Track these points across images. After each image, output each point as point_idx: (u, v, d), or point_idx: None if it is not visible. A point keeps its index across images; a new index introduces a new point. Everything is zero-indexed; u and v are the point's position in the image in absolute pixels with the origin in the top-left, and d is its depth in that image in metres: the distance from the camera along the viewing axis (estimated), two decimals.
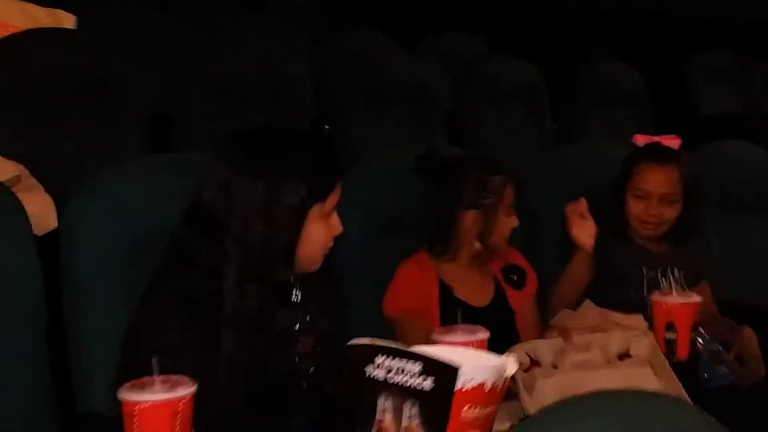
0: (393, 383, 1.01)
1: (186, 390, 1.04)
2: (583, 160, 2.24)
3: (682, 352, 1.56)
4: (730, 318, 1.90)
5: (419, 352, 1.01)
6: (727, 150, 2.53)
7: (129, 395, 1.03)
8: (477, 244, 1.69)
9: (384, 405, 1.03)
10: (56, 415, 1.35)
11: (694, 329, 1.58)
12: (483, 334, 1.32)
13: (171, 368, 1.06)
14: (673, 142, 1.95)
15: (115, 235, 1.40)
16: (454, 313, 1.56)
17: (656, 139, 1.97)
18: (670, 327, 1.57)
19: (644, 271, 1.92)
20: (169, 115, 2.63)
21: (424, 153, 1.71)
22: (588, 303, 1.73)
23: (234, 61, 2.82)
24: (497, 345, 1.30)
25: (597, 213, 1.93)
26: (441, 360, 0.98)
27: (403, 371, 1.01)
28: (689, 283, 1.88)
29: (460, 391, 0.97)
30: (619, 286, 1.89)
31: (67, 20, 2.61)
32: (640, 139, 1.99)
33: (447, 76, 3.31)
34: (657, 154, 1.91)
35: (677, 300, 1.57)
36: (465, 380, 0.96)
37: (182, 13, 3.64)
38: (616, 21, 5.29)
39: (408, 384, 1.00)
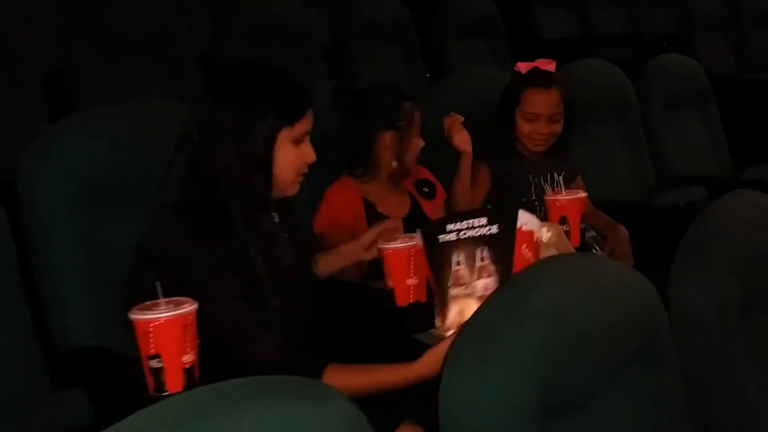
0: (464, 238, 1.37)
1: (191, 306, 1.19)
2: (468, 86, 2.48)
3: (575, 240, 1.84)
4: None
5: (483, 210, 1.37)
6: (582, 68, 2.84)
7: (143, 315, 1.17)
8: (394, 163, 1.89)
9: (457, 259, 1.37)
10: (42, 359, 1.43)
11: (582, 221, 1.88)
12: (420, 240, 1.54)
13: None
14: (550, 66, 2.21)
15: (71, 183, 1.48)
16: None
17: (535, 64, 2.22)
18: (563, 220, 1.85)
19: (530, 179, 2.20)
20: None
21: (339, 85, 1.89)
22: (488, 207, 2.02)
23: (112, 15, 2.80)
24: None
25: (487, 132, 2.20)
26: (502, 210, 1.40)
27: (471, 227, 1.37)
28: (566, 184, 2.18)
29: (520, 230, 1.37)
30: (512, 193, 2.16)
31: None
32: (522, 66, 2.24)
33: (319, 15, 3.38)
34: (541, 79, 2.15)
35: (568, 197, 1.85)
36: (522, 222, 1.37)
37: None
38: None
39: (478, 234, 1.37)
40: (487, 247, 1.40)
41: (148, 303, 1.20)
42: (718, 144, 3.13)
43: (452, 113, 2.09)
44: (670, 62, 3.11)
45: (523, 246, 1.42)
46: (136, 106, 1.68)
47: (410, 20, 3.59)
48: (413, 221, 1.88)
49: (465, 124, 2.06)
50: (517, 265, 1.42)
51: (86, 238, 1.49)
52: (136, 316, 1.18)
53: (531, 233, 1.44)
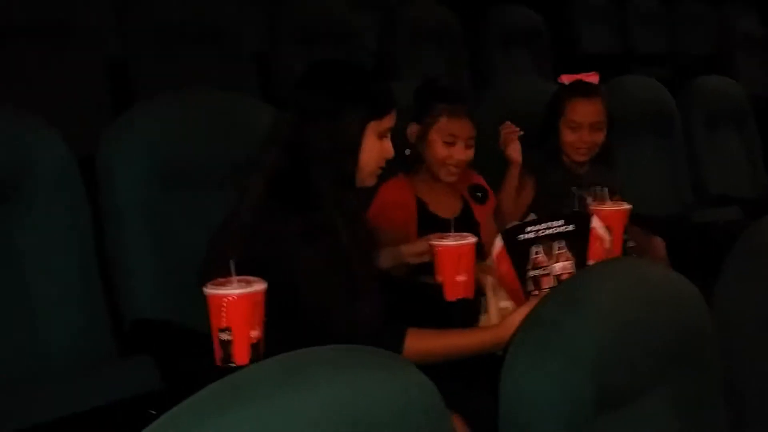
0: (542, 236, 1.54)
1: (261, 285, 1.27)
2: (513, 96, 2.54)
3: (617, 250, 1.90)
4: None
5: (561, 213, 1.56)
6: (627, 84, 2.90)
7: (217, 290, 1.25)
8: (407, 151, 1.94)
9: (536, 251, 1.53)
10: (109, 328, 1.52)
11: (625, 231, 1.94)
12: (472, 239, 1.62)
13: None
14: (593, 78, 2.28)
15: (146, 163, 1.58)
16: (428, 225, 1.87)
17: (579, 76, 2.29)
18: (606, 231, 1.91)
19: (573, 191, 2.26)
20: None
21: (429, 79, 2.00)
22: (532, 216, 2.08)
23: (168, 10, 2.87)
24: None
25: (530, 143, 2.26)
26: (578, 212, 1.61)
27: (549, 227, 1.54)
28: (610, 197, 2.24)
29: (593, 230, 1.58)
30: (555, 203, 2.22)
31: None
32: (566, 78, 2.31)
33: (255, 16, 3.31)
34: (584, 89, 2.24)
35: (612, 207, 1.92)
36: (595, 224, 1.57)
37: None
38: None
39: (555, 231, 1.54)
40: (564, 240, 1.57)
41: (221, 279, 1.28)
42: (755, 164, 3.18)
43: (509, 124, 2.16)
44: (712, 82, 3.16)
45: (597, 243, 1.59)
46: (207, 96, 1.78)
47: (457, 27, 3.66)
48: (463, 223, 1.94)
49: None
50: (593, 256, 1.60)
51: (157, 215, 1.59)
52: (211, 290, 1.26)
53: (603, 237, 1.62)
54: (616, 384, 1.00)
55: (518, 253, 1.59)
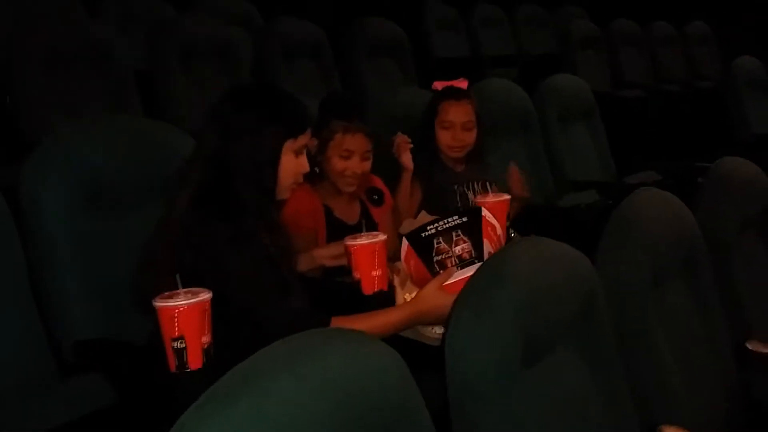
0: (441, 230, 1.73)
1: (207, 294, 1.39)
2: (388, 105, 2.75)
3: (503, 238, 2.13)
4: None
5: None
6: (489, 87, 3.17)
7: (168, 302, 1.35)
8: (316, 169, 2.04)
9: (437, 241, 1.75)
10: (49, 354, 1.57)
11: (508, 220, 2.18)
12: (382, 236, 1.79)
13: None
14: (462, 83, 2.52)
15: (69, 187, 1.64)
16: (335, 229, 2.03)
17: (450, 83, 2.52)
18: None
19: (455, 188, 2.48)
20: None
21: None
22: (423, 213, 2.29)
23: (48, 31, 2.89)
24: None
25: (414, 146, 2.47)
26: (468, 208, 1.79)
27: (446, 223, 1.75)
28: (485, 191, 2.48)
29: (485, 218, 1.78)
30: (440, 200, 2.43)
31: None
32: (438, 84, 2.54)
33: (135, 37, 3.38)
34: (454, 92, 2.47)
35: (494, 199, 2.14)
36: (485, 214, 1.79)
37: None
38: None
39: (452, 224, 1.75)
40: (459, 229, 1.79)
41: (168, 293, 1.38)
42: (603, 153, 3.54)
43: (402, 135, 2.36)
44: (562, 81, 3.50)
45: (488, 229, 1.83)
46: (126, 121, 1.86)
47: (326, 41, 3.83)
48: (364, 226, 2.12)
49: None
50: (486, 237, 1.83)
51: (83, 237, 1.65)
52: (161, 303, 1.36)
53: (493, 224, 1.86)
54: (536, 339, 1.19)
55: (423, 247, 1.79)
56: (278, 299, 1.56)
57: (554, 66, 4.84)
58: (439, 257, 1.79)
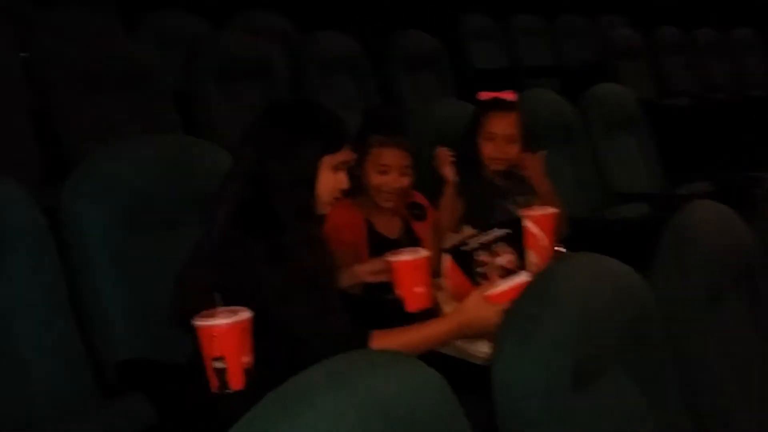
0: (481, 242, 1.73)
1: (247, 313, 1.36)
2: (429, 117, 2.71)
3: (550, 252, 2.07)
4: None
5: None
6: (531, 98, 3.11)
7: (208, 321, 1.32)
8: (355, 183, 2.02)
9: (480, 253, 1.73)
10: (90, 374, 1.56)
11: (555, 234, 2.11)
12: (425, 252, 1.75)
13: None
14: (510, 95, 2.47)
15: (110, 208, 1.63)
16: (376, 244, 2.00)
17: (497, 94, 2.47)
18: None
19: (498, 202, 2.42)
20: None
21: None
22: (466, 227, 2.24)
23: (84, 53, 2.91)
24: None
25: (455, 158, 2.42)
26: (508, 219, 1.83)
27: (487, 236, 1.74)
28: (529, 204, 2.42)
29: (528, 229, 1.79)
30: (482, 215, 2.38)
31: None
32: (485, 95, 2.48)
33: (172, 56, 3.36)
34: (500, 103, 2.42)
35: (540, 212, 2.08)
36: (527, 224, 1.79)
37: None
38: None
39: (495, 236, 1.74)
40: (502, 241, 1.76)
41: (207, 311, 1.35)
42: (651, 164, 3.45)
43: (443, 148, 2.33)
44: (605, 90, 3.42)
45: (532, 238, 1.82)
46: (165, 139, 1.85)
47: (363, 54, 3.81)
48: (407, 241, 2.08)
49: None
50: (531, 248, 1.80)
51: (127, 260, 1.64)
52: (200, 322, 1.33)
53: (536, 234, 1.84)
54: (587, 363, 1.14)
55: (465, 261, 1.76)
56: (318, 316, 1.53)
57: (596, 76, 4.76)
58: (482, 269, 1.74)
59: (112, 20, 3.82)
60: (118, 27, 3.83)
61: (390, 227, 2.10)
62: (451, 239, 2.17)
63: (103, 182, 1.65)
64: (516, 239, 1.81)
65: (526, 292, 1.14)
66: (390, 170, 2.04)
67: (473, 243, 1.79)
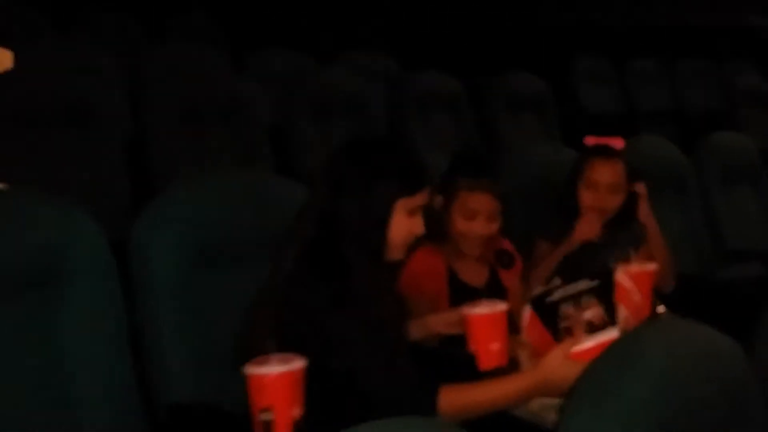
0: (568, 295, 1.59)
1: (301, 362, 1.27)
2: (527, 162, 2.57)
3: (646, 312, 1.89)
4: None
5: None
6: (641, 144, 2.92)
7: (257, 369, 1.24)
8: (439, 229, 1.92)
9: (565, 305, 1.60)
10: (143, 413, 1.51)
11: (653, 293, 1.93)
12: (503, 306, 1.61)
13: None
14: (617, 142, 2.31)
15: (181, 246, 1.59)
16: (458, 293, 1.87)
17: (603, 140, 2.32)
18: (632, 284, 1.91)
19: (593, 255, 2.25)
20: None
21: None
22: (557, 279, 2.08)
23: (39, 83, 2.73)
24: None
25: (549, 208, 2.28)
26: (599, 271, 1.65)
27: (574, 288, 1.59)
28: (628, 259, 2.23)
29: (619, 283, 1.63)
30: (575, 271, 2.20)
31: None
32: (591, 141, 2.34)
33: (269, 92, 3.32)
34: (605, 150, 2.26)
35: (638, 269, 1.91)
36: (620, 278, 1.63)
37: None
38: (508, 33, 5.72)
39: (582, 288, 1.59)
40: (590, 293, 1.60)
41: (260, 358, 1.27)
42: None
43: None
44: (724, 139, 3.19)
45: (623, 293, 1.64)
46: (240, 176, 1.82)
47: (464, 95, 3.72)
48: (492, 290, 1.95)
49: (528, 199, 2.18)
50: (622, 302, 1.64)
51: (191, 296, 1.59)
52: (250, 370, 1.25)
53: (628, 288, 1.67)
54: None
55: (548, 314, 1.62)
56: (383, 368, 1.42)
57: (718, 123, 4.50)
58: (567, 323, 1.59)
59: (219, 56, 3.91)
60: (225, 62, 3.93)
61: (474, 275, 1.98)
62: (536, 290, 2.03)
63: (176, 216, 1.60)
64: (606, 292, 1.64)
65: (605, 353, 1.00)
66: (477, 215, 1.92)
67: (558, 294, 1.64)
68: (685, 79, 5.81)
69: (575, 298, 1.62)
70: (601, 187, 2.22)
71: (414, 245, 1.64)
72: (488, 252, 2.01)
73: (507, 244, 2.07)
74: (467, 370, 1.59)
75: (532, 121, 4.05)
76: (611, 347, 1.01)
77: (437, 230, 1.96)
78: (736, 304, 2.15)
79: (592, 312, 1.61)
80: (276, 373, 1.24)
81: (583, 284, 1.64)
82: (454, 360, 1.67)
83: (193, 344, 1.58)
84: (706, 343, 1.08)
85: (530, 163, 2.55)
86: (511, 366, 1.60)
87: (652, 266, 1.94)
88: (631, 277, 1.91)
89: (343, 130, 3.23)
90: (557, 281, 2.06)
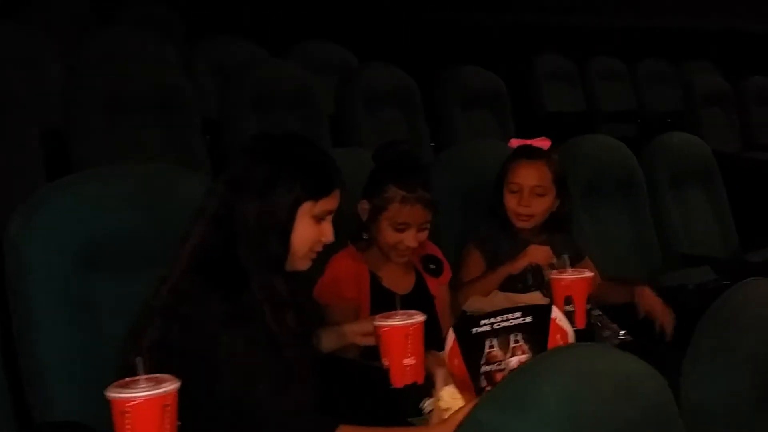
0: (499, 328, 1.42)
1: (172, 385, 1.12)
2: (473, 159, 2.44)
3: (580, 322, 1.77)
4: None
5: (515, 304, 1.47)
6: (587, 144, 2.81)
7: (120, 393, 1.10)
8: (365, 235, 1.82)
9: (490, 344, 1.42)
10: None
11: (588, 301, 1.82)
12: (419, 317, 1.48)
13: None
14: (544, 143, 2.18)
15: (61, 246, 1.43)
16: (381, 300, 1.74)
17: (528, 141, 2.19)
18: (568, 300, 1.78)
19: (529, 266, 2.11)
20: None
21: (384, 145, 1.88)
22: (496, 291, 1.95)
23: (115, 76, 2.80)
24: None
25: (487, 209, 2.15)
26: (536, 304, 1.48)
27: (506, 320, 1.42)
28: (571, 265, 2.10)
29: (554, 321, 1.45)
30: (509, 278, 2.06)
31: None
32: (515, 143, 2.21)
33: (323, 83, 3.43)
34: (528, 152, 2.12)
35: (573, 276, 1.80)
36: (556, 315, 1.46)
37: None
38: (470, 30, 5.63)
39: (512, 324, 1.42)
40: (521, 333, 1.42)
41: (127, 379, 1.13)
42: (724, 223, 3.08)
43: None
44: (675, 140, 3.08)
45: (557, 336, 1.43)
46: (134, 170, 1.65)
47: (415, 89, 3.60)
48: (417, 297, 1.82)
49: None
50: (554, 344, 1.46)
51: (74, 303, 1.44)
52: (112, 394, 1.11)
53: (564, 329, 1.47)
54: None
55: (472, 346, 1.44)
56: (272, 394, 1.28)
57: (678, 125, 4.43)
58: (490, 367, 1.43)
59: (163, 44, 3.75)
60: (171, 51, 3.77)
61: (399, 282, 1.84)
62: (476, 303, 1.89)
63: (55, 216, 1.44)
64: (538, 333, 1.47)
65: (491, 395, 0.87)
66: (408, 228, 1.79)
67: (486, 324, 1.44)
68: (647, 79, 5.74)
69: (504, 334, 1.44)
70: (525, 190, 2.09)
71: (333, 248, 1.51)
72: (415, 257, 1.88)
73: (435, 250, 1.94)
74: (382, 387, 1.46)
75: (487, 117, 3.93)
76: (502, 384, 0.88)
77: (360, 236, 1.83)
78: (677, 311, 2.04)
79: (519, 360, 1.44)
80: (142, 398, 1.09)
81: (515, 318, 1.46)
82: (369, 374, 1.54)
83: (75, 358, 1.42)
84: (618, 379, 0.94)
85: (470, 160, 2.42)
86: (428, 383, 1.47)
87: (588, 273, 1.83)
88: (565, 286, 1.80)
89: (286, 124, 3.09)
90: (499, 296, 1.93)
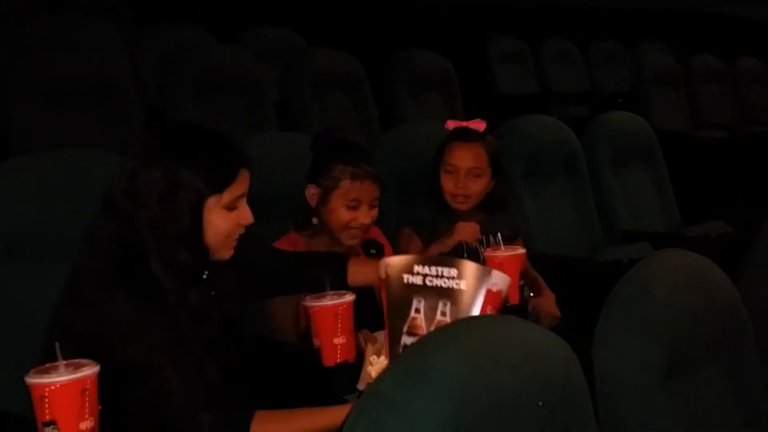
0: (430, 286, 1.24)
1: (91, 369, 1.13)
2: (414, 141, 2.46)
3: (514, 297, 1.80)
4: (541, 269, 2.18)
5: (456, 260, 1.24)
6: (529, 123, 2.85)
7: (38, 378, 1.10)
8: (314, 220, 1.83)
9: (417, 306, 1.26)
10: None
11: (521, 278, 1.85)
12: (350, 297, 1.50)
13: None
14: (479, 125, 2.20)
15: None
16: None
17: (464, 123, 2.22)
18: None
19: (464, 244, 2.15)
20: None
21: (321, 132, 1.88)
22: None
23: (54, 63, 2.76)
24: (360, 310, 1.49)
25: (426, 190, 2.18)
26: (476, 265, 1.24)
27: (440, 275, 1.25)
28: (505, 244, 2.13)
29: (489, 291, 1.23)
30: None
31: None
32: (451, 124, 2.23)
33: (272, 68, 3.42)
34: (463, 134, 2.14)
35: (506, 253, 1.82)
36: (493, 282, 1.23)
37: None
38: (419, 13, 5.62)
39: (446, 285, 1.24)
40: (449, 303, 1.29)
41: (46, 365, 1.13)
42: (666, 200, 3.15)
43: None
44: (617, 119, 3.14)
45: (489, 307, 1.31)
46: (65, 158, 1.64)
47: (363, 73, 3.60)
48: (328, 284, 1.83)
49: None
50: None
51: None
52: (31, 379, 1.11)
53: (499, 293, 1.32)
54: None
55: (399, 295, 1.31)
56: (186, 392, 1.26)
57: (628, 105, 4.48)
58: (410, 339, 1.29)
59: (105, 30, 3.69)
60: (116, 37, 3.73)
61: None
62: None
63: None
64: (470, 302, 1.32)
65: (392, 367, 0.89)
66: (360, 204, 1.81)
67: (420, 272, 1.28)
68: (599, 60, 5.81)
69: (434, 297, 1.28)
70: (461, 172, 2.11)
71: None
72: (357, 242, 1.89)
73: (376, 232, 1.96)
74: (314, 365, 1.48)
75: (436, 100, 3.95)
76: (403, 354, 0.90)
77: (310, 223, 1.84)
78: (606, 286, 2.08)
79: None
80: (61, 382, 1.10)
81: (452, 275, 1.27)
82: (299, 355, 1.55)
83: (2, 346, 1.42)
84: (522, 350, 0.96)
85: (409, 142, 2.44)
86: (358, 362, 1.49)
87: (520, 250, 1.86)
88: (498, 263, 1.83)
89: (229, 110, 3.08)
90: None
